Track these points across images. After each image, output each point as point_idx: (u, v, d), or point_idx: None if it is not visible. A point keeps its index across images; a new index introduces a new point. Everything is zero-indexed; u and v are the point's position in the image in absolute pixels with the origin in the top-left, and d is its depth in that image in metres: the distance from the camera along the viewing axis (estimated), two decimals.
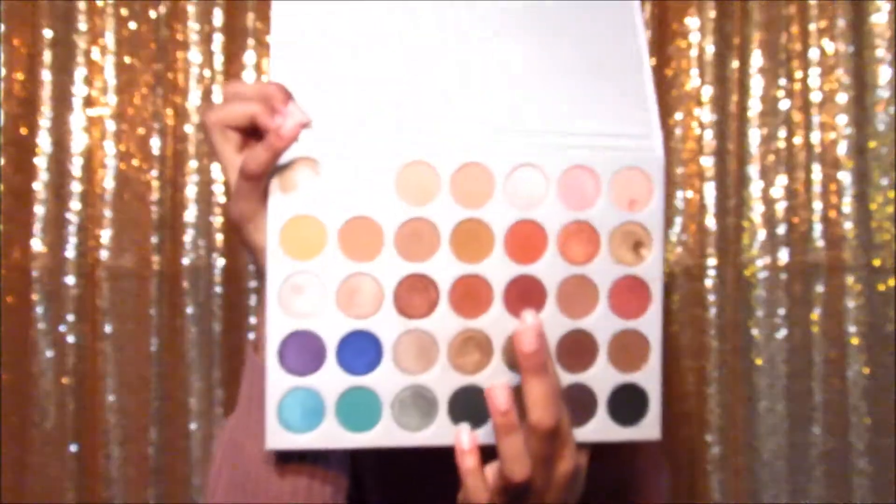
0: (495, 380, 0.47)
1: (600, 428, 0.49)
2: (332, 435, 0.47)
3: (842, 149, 0.91)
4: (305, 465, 0.50)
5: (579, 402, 0.48)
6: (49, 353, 0.93)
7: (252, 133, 0.48)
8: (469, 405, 0.47)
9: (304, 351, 0.47)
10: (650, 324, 0.49)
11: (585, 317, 0.48)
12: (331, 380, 0.47)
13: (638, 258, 0.48)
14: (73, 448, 0.93)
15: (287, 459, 0.49)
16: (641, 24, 0.51)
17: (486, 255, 0.47)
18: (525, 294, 0.47)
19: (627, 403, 0.49)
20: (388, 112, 0.48)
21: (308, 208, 0.47)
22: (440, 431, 0.47)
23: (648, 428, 0.49)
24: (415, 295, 0.47)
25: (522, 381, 0.45)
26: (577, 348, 0.48)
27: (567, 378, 0.48)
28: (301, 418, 0.47)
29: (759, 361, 0.93)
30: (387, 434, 0.47)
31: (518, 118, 0.48)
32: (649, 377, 0.49)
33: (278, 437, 0.47)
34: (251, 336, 0.94)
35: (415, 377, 0.47)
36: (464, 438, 0.46)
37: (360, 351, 0.47)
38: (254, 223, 0.48)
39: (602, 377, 0.48)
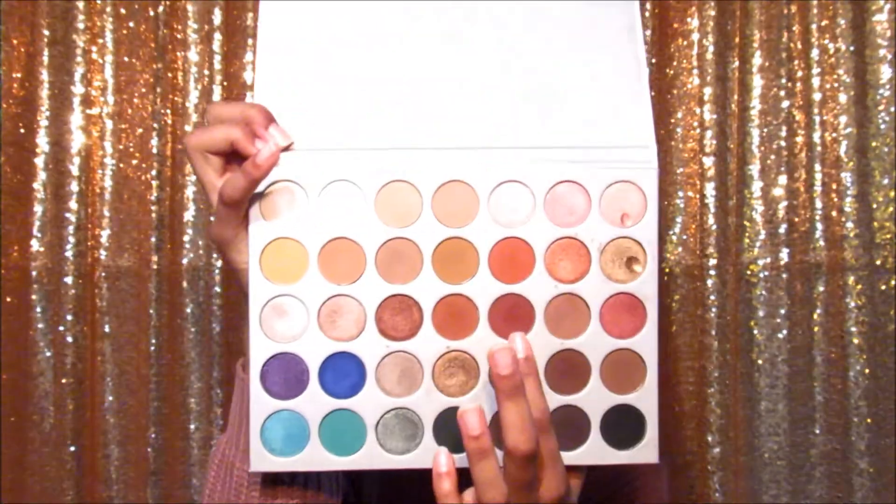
0: (480, 402, 0.46)
1: (594, 451, 0.47)
2: (315, 458, 0.46)
3: (843, 148, 0.91)
4: (296, 487, 0.50)
5: (571, 425, 0.47)
6: (48, 353, 0.93)
7: (234, 155, 0.48)
8: (454, 427, 0.46)
9: (286, 374, 0.46)
10: (645, 343, 0.47)
11: (576, 336, 0.47)
12: (314, 403, 0.46)
13: (632, 274, 0.47)
14: (72, 448, 0.93)
15: (277, 481, 0.49)
16: (640, 26, 0.50)
17: (471, 274, 0.47)
18: (512, 314, 0.47)
19: (623, 426, 0.47)
20: (370, 125, 0.47)
21: (288, 231, 0.46)
22: (425, 454, 0.47)
23: (646, 451, 0.47)
24: (398, 316, 0.47)
25: (498, 404, 0.44)
26: (568, 369, 0.47)
27: (558, 399, 0.47)
28: (284, 441, 0.46)
29: (759, 361, 0.93)
30: (371, 457, 0.46)
31: (506, 130, 0.47)
32: (645, 398, 0.47)
33: (262, 460, 0.46)
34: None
35: (399, 399, 0.47)
36: (441, 461, 0.46)
37: (343, 373, 0.46)
38: (235, 246, 0.48)
39: (595, 398, 0.47)
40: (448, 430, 0.46)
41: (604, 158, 0.47)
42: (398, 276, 0.46)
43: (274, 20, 0.49)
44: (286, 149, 0.46)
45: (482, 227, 0.46)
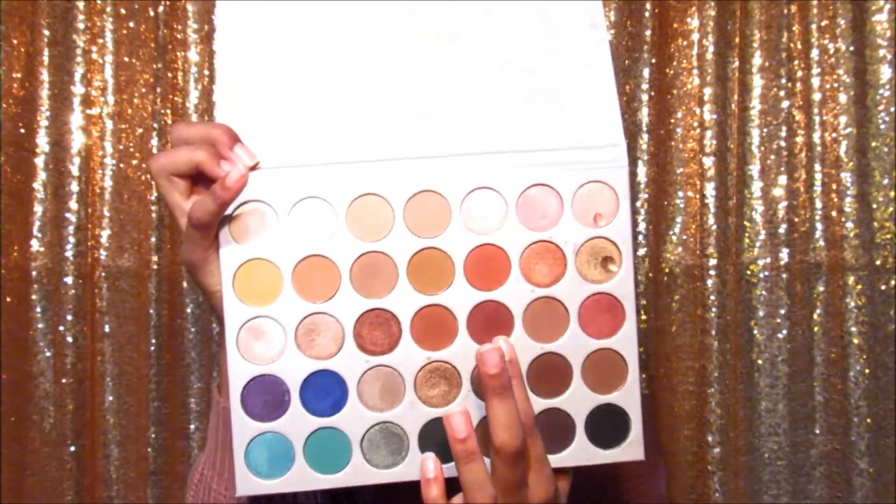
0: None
1: (580, 452, 0.47)
2: (302, 478, 0.46)
3: (843, 148, 0.91)
4: None
5: (556, 427, 0.47)
6: (48, 353, 0.93)
7: (200, 176, 0.47)
8: (439, 437, 0.46)
9: (267, 396, 0.46)
10: (626, 341, 0.47)
11: (556, 339, 0.47)
12: (297, 423, 0.46)
13: (608, 274, 0.47)
14: (72, 448, 0.93)
15: (255, 499, 0.48)
16: (604, 24, 0.49)
17: (447, 283, 0.46)
18: (490, 321, 0.46)
19: (607, 425, 0.47)
20: (336, 138, 0.46)
21: (260, 252, 0.46)
22: (412, 466, 0.46)
23: (631, 448, 0.48)
24: (376, 330, 0.46)
25: (486, 403, 0.44)
26: (550, 372, 0.47)
27: (542, 403, 0.47)
28: (269, 463, 0.46)
29: (759, 361, 0.93)
30: (358, 473, 0.46)
31: (474, 136, 0.47)
32: (628, 396, 0.47)
33: (248, 484, 0.46)
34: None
35: (382, 414, 0.46)
36: (429, 466, 0.46)
37: (325, 392, 0.46)
38: (206, 269, 0.47)
39: (578, 400, 0.47)
40: (433, 440, 0.46)
41: (574, 160, 0.47)
42: (374, 290, 0.46)
43: (232, 28, 0.47)
44: (253, 168, 0.45)
45: (455, 235, 0.46)
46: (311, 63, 0.48)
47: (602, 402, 0.47)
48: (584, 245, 0.47)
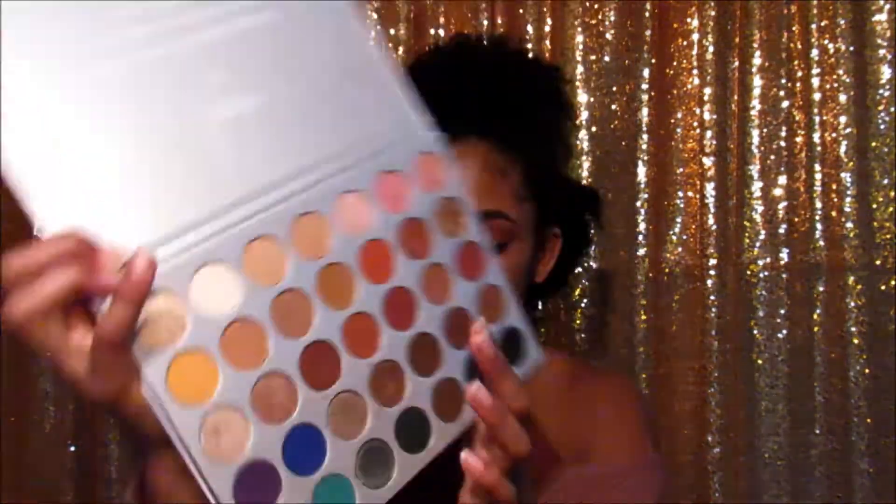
0: (420, 394, 0.48)
1: None
2: None
3: (843, 148, 0.91)
4: None
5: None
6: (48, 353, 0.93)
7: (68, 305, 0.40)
8: (411, 427, 0.48)
9: (256, 483, 0.43)
10: (495, 273, 0.53)
11: (453, 297, 0.51)
12: (295, 491, 0.44)
13: (461, 227, 0.52)
14: (72, 448, 0.93)
15: None
16: (359, 23, 0.52)
17: (354, 290, 0.48)
18: (401, 305, 0.49)
19: (513, 346, 0.53)
20: (180, 198, 0.44)
21: (181, 345, 0.42)
22: (404, 467, 0.47)
23: (534, 356, 0.53)
24: (319, 365, 0.46)
25: (493, 382, 0.48)
26: (460, 326, 0.50)
27: (463, 354, 0.50)
28: None
29: (759, 361, 0.93)
30: (369, 502, 0.46)
31: (304, 150, 0.48)
32: (515, 315, 0.53)
33: None
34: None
35: (358, 437, 0.46)
36: (469, 459, 0.47)
37: (306, 447, 0.45)
38: (131, 394, 0.40)
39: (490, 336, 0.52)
40: (407, 433, 0.48)
41: (394, 141, 0.51)
42: (299, 327, 0.45)
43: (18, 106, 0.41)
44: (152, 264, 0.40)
45: (342, 244, 0.48)
46: (103, 133, 0.43)
47: (502, 329, 0.52)
48: (438, 210, 0.52)
